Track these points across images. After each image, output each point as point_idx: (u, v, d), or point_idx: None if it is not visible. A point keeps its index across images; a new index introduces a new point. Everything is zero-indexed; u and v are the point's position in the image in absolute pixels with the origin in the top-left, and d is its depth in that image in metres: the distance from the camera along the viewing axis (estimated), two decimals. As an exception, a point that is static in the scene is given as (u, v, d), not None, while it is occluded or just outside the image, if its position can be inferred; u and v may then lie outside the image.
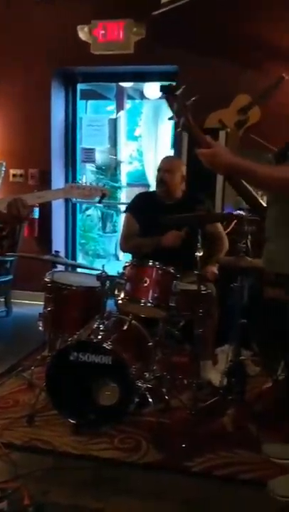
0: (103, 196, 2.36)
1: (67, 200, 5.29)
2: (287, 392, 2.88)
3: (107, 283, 2.81)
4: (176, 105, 2.19)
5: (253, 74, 4.37)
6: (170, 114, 2.30)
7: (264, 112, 4.40)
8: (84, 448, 2.55)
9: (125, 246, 3.57)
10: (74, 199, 4.74)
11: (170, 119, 2.32)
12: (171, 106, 2.23)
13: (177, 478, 2.37)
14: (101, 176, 8.36)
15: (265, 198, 2.47)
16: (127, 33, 4.47)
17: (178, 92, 2.21)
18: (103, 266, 2.75)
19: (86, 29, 4.57)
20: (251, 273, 3.83)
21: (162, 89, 2.32)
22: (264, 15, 4.35)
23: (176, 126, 2.29)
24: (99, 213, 8.38)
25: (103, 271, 2.71)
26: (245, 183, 2.34)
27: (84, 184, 2.30)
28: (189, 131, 2.20)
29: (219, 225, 3.54)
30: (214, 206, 4.01)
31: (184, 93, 2.22)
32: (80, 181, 2.36)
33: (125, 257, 4.72)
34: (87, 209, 7.96)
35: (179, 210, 3.09)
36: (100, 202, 2.39)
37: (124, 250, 3.77)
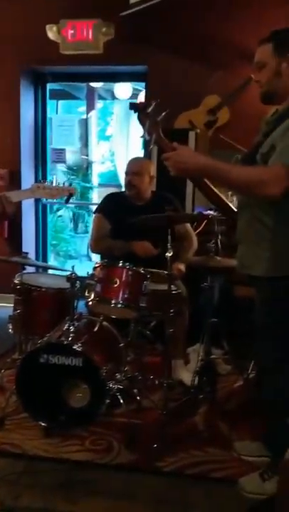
0: (70, 196, 2.35)
1: (37, 201, 5.25)
2: (258, 390, 2.92)
3: (78, 284, 2.80)
4: (148, 123, 2.18)
5: (222, 75, 4.40)
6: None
7: (233, 112, 4.45)
8: (55, 451, 2.54)
9: (96, 247, 3.55)
10: (44, 199, 4.71)
11: (142, 137, 2.31)
12: (143, 124, 2.22)
13: (149, 479, 2.37)
14: (72, 177, 8.31)
15: (234, 201, 2.49)
16: (96, 33, 4.46)
17: (149, 110, 2.21)
18: (73, 267, 2.74)
19: (55, 28, 4.54)
20: (222, 272, 3.88)
21: (132, 106, 2.29)
22: (232, 16, 4.39)
23: (147, 143, 2.28)
24: (70, 214, 8.33)
25: (73, 272, 2.69)
26: (213, 187, 2.35)
27: (50, 184, 2.29)
28: (161, 147, 2.20)
29: (187, 224, 3.56)
30: (184, 206, 4.02)
31: (155, 109, 2.22)
32: (47, 181, 2.35)
33: (98, 258, 4.70)
34: (58, 210, 7.90)
35: (148, 211, 3.09)
36: (67, 202, 2.38)
37: (94, 251, 3.75)
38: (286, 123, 2.03)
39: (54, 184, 2.38)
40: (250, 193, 2.10)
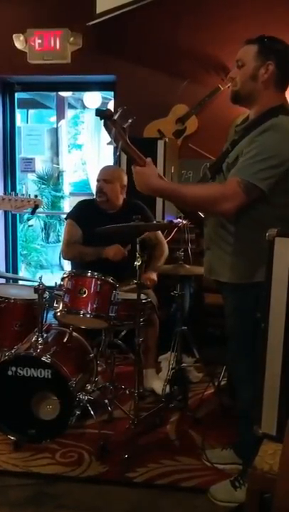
0: (36, 207, 2.34)
1: (6, 211, 5.19)
2: (229, 397, 2.93)
3: (46, 295, 2.77)
4: (114, 130, 2.18)
5: (190, 84, 4.44)
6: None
7: (201, 121, 4.49)
8: (25, 465, 2.50)
9: (67, 253, 3.52)
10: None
11: (109, 143, 2.30)
12: (109, 131, 2.22)
13: (120, 490, 2.35)
14: (43, 186, 8.26)
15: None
16: (63, 42, 4.44)
17: (116, 117, 2.21)
18: (40, 277, 2.71)
19: (22, 38, 4.51)
20: (192, 280, 3.90)
21: (98, 113, 2.28)
22: (200, 27, 4.44)
23: (115, 150, 2.27)
24: (41, 223, 8.26)
25: (40, 283, 2.66)
26: None
27: (16, 196, 2.27)
28: (128, 154, 2.20)
29: (158, 232, 3.57)
30: (155, 214, 4.03)
31: (121, 115, 2.22)
32: (14, 193, 2.33)
33: (70, 268, 4.65)
34: (28, 219, 7.83)
35: (119, 218, 3.09)
36: (33, 213, 2.36)
37: (66, 258, 3.72)
38: (252, 134, 2.04)
39: (20, 196, 2.36)
40: (207, 211, 2.15)
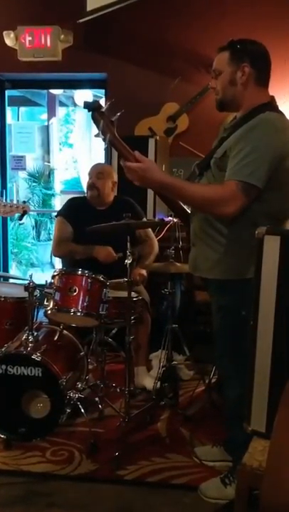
0: (24, 213, 2.34)
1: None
2: (219, 395, 2.94)
3: (37, 293, 2.76)
4: (102, 122, 2.18)
5: (181, 82, 4.44)
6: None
7: (192, 119, 4.49)
8: (15, 463, 2.49)
9: (57, 251, 3.52)
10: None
11: (96, 136, 2.30)
12: (97, 123, 2.21)
13: (111, 488, 2.35)
14: (34, 184, 8.23)
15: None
16: (54, 40, 4.43)
17: (104, 109, 2.20)
18: (31, 276, 2.70)
19: (12, 35, 4.49)
20: (183, 278, 3.90)
21: (86, 105, 2.26)
22: (191, 24, 4.45)
23: (104, 142, 2.26)
24: (32, 222, 8.24)
25: (31, 281, 2.66)
26: None
27: (5, 202, 2.28)
28: (115, 147, 2.20)
29: (148, 229, 3.57)
30: (146, 212, 4.03)
31: (109, 108, 2.21)
32: (1, 198, 2.34)
33: (61, 265, 4.65)
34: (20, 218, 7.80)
35: (110, 215, 3.09)
36: (20, 219, 2.36)
37: (56, 255, 3.72)
38: (239, 131, 2.06)
39: (8, 201, 2.37)
40: (205, 212, 2.14)
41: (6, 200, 2.38)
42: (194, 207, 2.23)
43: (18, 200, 2.43)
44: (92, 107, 2.20)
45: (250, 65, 2.08)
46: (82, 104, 6.54)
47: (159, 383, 3.07)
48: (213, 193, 2.06)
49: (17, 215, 2.59)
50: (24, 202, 2.49)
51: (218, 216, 2.08)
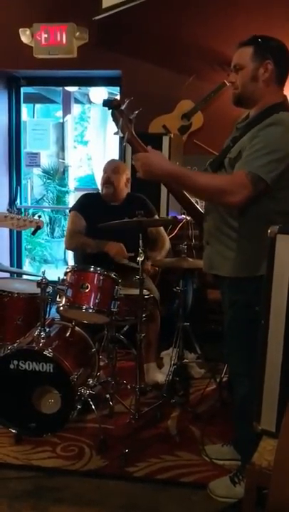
0: (37, 228, 2.35)
1: (11, 204, 5.20)
2: (230, 394, 2.93)
3: (49, 289, 2.78)
4: (122, 120, 2.18)
5: (195, 80, 4.42)
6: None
7: (207, 117, 4.48)
8: (25, 458, 2.51)
9: (70, 243, 3.53)
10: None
11: (116, 133, 2.31)
12: (116, 121, 2.22)
13: (120, 484, 2.36)
14: (48, 180, 8.27)
15: (202, 204, 2.50)
16: (69, 37, 4.43)
17: (123, 107, 2.20)
18: (43, 272, 2.71)
19: (28, 32, 4.50)
20: (195, 276, 3.90)
21: (105, 103, 2.28)
22: (206, 22, 4.42)
23: (121, 140, 2.29)
24: (47, 218, 8.27)
25: (43, 277, 2.67)
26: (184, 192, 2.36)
27: (19, 215, 2.29)
28: (132, 145, 2.21)
29: (160, 227, 3.58)
30: (159, 209, 4.03)
31: (127, 107, 2.22)
32: (17, 210, 2.35)
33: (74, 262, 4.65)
34: (34, 214, 7.83)
35: (123, 211, 3.11)
36: (34, 233, 2.37)
37: (68, 248, 3.74)
38: (254, 130, 2.06)
39: (23, 215, 2.39)
40: (213, 201, 2.14)
41: (19, 213, 2.40)
42: (202, 196, 2.22)
43: (33, 214, 2.46)
44: (112, 104, 2.21)
45: (274, 62, 2.08)
46: (97, 102, 6.55)
47: (170, 381, 3.07)
48: (221, 181, 2.07)
49: (30, 229, 2.61)
50: (39, 217, 2.51)
51: (225, 205, 2.08)
